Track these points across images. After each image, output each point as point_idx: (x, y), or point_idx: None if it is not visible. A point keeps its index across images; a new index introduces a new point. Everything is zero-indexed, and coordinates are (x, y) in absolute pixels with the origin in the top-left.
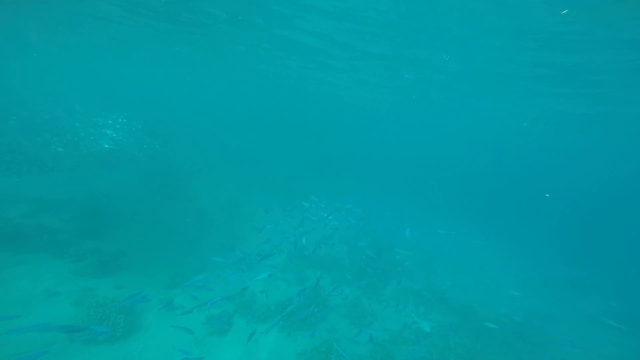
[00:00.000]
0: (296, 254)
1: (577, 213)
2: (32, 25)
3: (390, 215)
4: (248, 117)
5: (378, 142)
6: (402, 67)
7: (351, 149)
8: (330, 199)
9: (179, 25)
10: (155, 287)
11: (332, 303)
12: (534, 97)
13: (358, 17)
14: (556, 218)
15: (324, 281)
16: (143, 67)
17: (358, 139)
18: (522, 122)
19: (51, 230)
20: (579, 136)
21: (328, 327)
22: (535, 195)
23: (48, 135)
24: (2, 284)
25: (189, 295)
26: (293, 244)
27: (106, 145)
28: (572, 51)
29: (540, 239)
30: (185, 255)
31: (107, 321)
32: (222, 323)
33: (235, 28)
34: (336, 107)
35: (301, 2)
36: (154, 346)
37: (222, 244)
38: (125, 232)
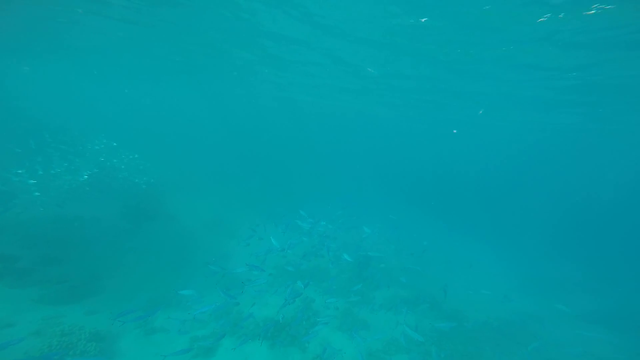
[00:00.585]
0: (284, 267)
1: (568, 212)
2: None
3: (377, 223)
4: (228, 131)
5: (363, 148)
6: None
7: (335, 156)
8: (315, 210)
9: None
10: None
11: (323, 314)
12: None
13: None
14: (545, 218)
15: (314, 292)
16: (118, 78)
17: (340, 146)
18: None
19: (8, 257)
20: (565, 136)
21: (320, 340)
22: (526, 195)
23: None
24: None
25: (169, 317)
26: (281, 257)
27: (85, 176)
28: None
29: (529, 239)
30: (165, 277)
31: (74, 350)
32: (209, 342)
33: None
34: (315, 115)
35: None
36: None
37: (206, 263)
38: (99, 256)
